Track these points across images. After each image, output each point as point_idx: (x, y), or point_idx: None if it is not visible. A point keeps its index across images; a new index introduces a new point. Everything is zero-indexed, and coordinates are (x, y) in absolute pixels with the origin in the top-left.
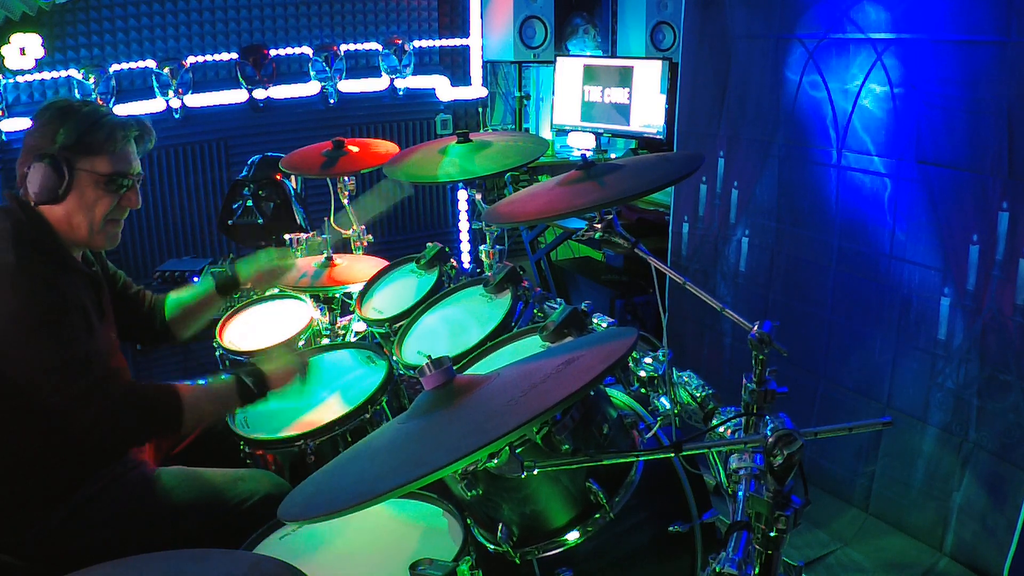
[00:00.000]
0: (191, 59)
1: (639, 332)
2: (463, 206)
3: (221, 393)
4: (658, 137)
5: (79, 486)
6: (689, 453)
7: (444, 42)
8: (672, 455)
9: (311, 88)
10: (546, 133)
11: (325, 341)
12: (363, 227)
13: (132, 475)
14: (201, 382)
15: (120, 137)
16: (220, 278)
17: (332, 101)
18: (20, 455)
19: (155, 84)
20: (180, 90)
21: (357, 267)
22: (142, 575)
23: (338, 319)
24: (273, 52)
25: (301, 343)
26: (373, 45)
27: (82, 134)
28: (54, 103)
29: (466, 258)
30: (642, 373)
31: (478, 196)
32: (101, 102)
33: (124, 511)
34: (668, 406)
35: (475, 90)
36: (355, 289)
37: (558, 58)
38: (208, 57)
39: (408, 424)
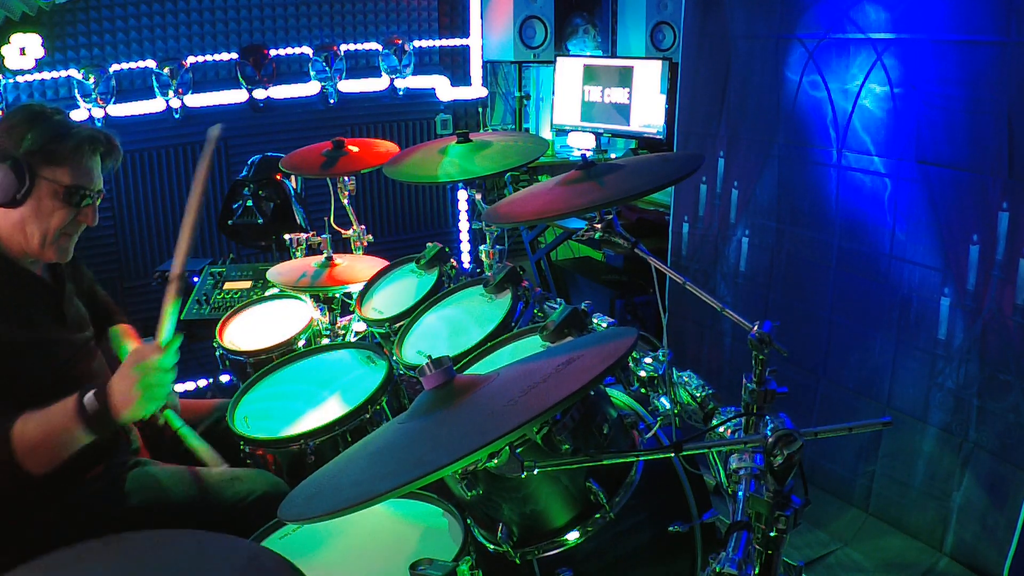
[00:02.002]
0: (191, 59)
1: (639, 332)
2: (463, 206)
3: (55, 416)
4: (658, 137)
5: (76, 485)
6: (689, 453)
7: (444, 42)
8: (672, 455)
9: (311, 88)
10: (546, 133)
11: (325, 341)
12: (363, 227)
13: (129, 474)
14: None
15: (87, 150)
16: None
17: (332, 101)
18: None
19: (155, 84)
20: (180, 90)
21: (357, 267)
22: (136, 555)
23: (338, 319)
24: (273, 52)
25: (301, 343)
26: (373, 45)
27: (48, 141)
28: (27, 106)
29: (466, 258)
30: (642, 373)
31: (478, 196)
32: (101, 102)
33: (121, 510)
34: (668, 406)
35: (475, 90)
36: (355, 289)
37: (558, 58)
38: (208, 57)
39: (408, 424)
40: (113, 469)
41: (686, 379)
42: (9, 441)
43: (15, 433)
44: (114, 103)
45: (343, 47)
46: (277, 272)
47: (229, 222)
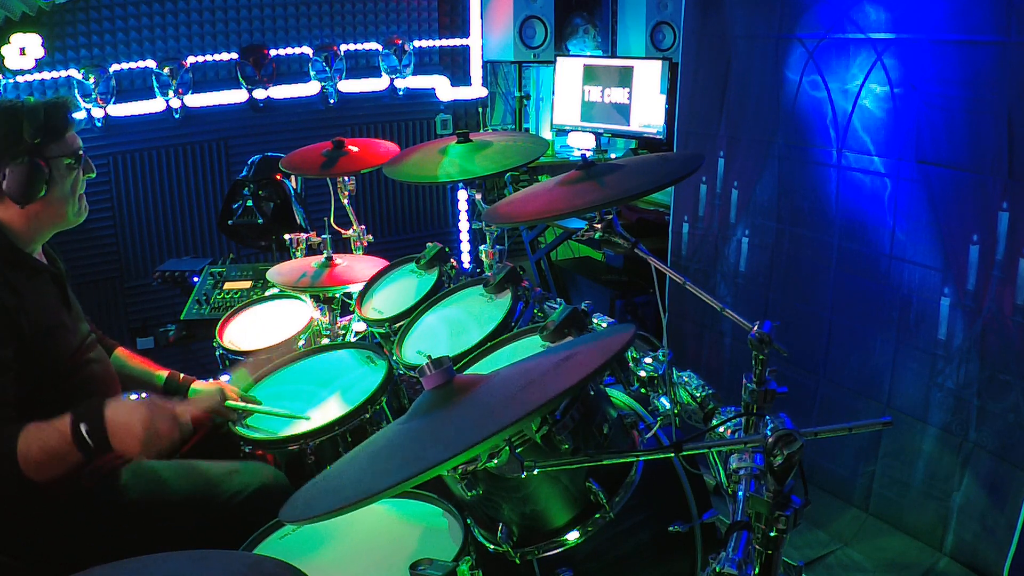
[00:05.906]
0: (191, 59)
1: (636, 327)
2: (463, 206)
3: (52, 439)
4: (658, 137)
5: (74, 483)
6: (689, 453)
7: (444, 42)
8: (672, 455)
9: (311, 88)
10: (546, 133)
11: (325, 341)
12: (363, 227)
13: (125, 468)
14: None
15: (72, 113)
16: (172, 381)
17: (332, 101)
18: None
19: (155, 84)
20: (180, 90)
21: (357, 267)
22: None
23: (338, 319)
24: (273, 52)
25: (301, 343)
26: (373, 45)
27: (45, 122)
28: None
29: (466, 258)
30: (642, 373)
31: (478, 196)
32: (101, 102)
33: (120, 506)
34: (668, 406)
35: (475, 90)
36: (355, 289)
37: (558, 58)
38: (208, 57)
39: (408, 424)
40: (113, 465)
41: (686, 379)
42: (15, 459)
43: (20, 452)
44: (114, 103)
45: (343, 47)
46: (277, 272)
47: (229, 222)
